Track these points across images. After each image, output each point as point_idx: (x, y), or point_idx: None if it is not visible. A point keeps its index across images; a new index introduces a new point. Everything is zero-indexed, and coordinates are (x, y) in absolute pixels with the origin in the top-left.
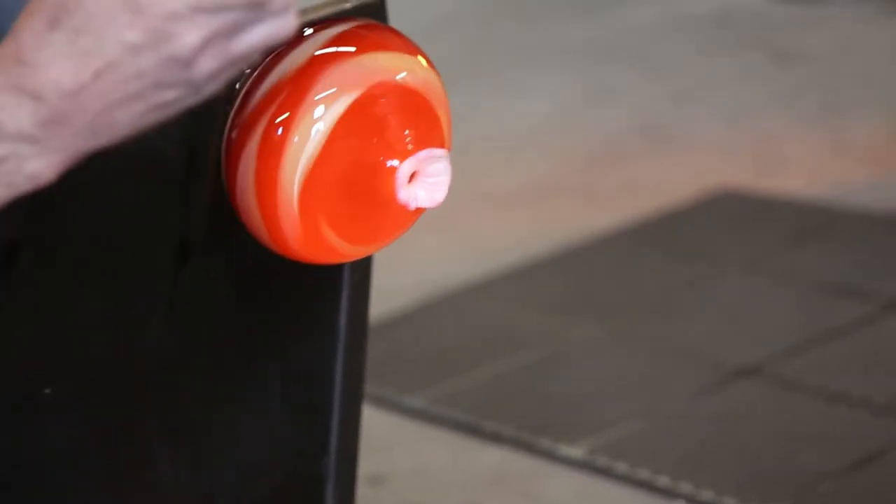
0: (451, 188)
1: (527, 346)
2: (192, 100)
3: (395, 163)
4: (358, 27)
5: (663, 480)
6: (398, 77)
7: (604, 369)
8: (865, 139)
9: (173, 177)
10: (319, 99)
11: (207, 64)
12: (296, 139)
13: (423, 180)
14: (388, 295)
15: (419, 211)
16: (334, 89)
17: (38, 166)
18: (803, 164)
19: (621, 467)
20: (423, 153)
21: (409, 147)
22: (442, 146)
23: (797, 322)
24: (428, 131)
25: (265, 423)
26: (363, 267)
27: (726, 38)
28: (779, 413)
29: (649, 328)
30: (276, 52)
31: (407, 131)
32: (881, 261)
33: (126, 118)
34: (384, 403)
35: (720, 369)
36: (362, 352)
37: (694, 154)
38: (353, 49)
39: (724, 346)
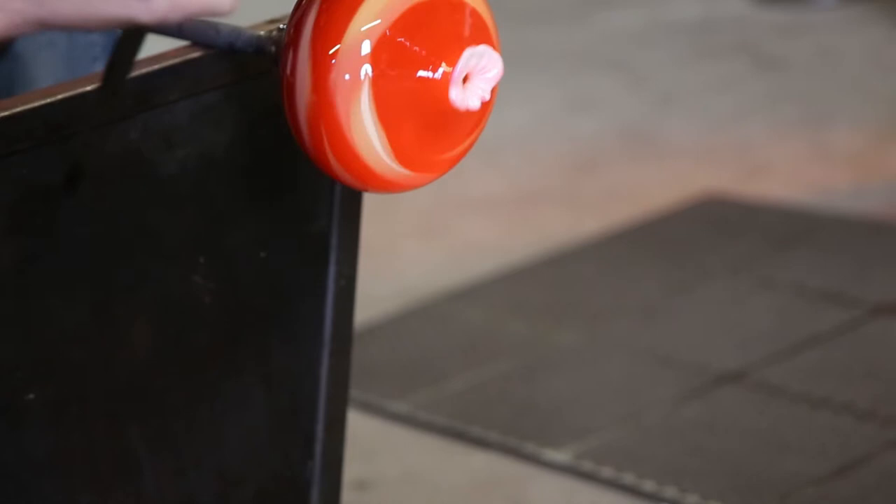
0: (433, 194)
1: (511, 351)
2: (139, 9)
3: (444, 68)
4: None
5: (649, 485)
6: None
7: (588, 375)
8: (848, 145)
9: (157, 179)
10: (366, 30)
11: None
12: (346, 76)
13: (477, 78)
14: (372, 301)
15: (482, 115)
16: (379, 21)
17: None
18: (786, 170)
19: (607, 472)
20: (464, 56)
21: (456, 51)
22: (486, 33)
23: (781, 327)
24: (462, 29)
25: (250, 427)
26: (348, 272)
27: (709, 44)
28: (762, 418)
29: (633, 334)
30: None
31: (452, 38)
32: (864, 266)
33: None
34: (369, 408)
35: (704, 375)
36: (347, 357)
37: (677, 160)
38: None
39: (707, 351)
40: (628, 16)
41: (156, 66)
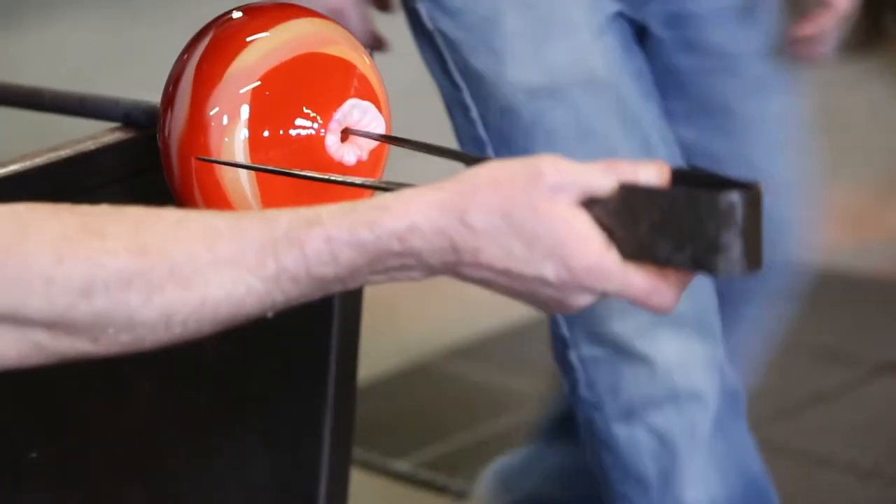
0: None
1: (513, 408)
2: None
3: (318, 126)
4: (234, 20)
5: None
6: (292, 54)
7: None
8: (850, 203)
9: None
10: (244, 92)
11: (580, 306)
12: (226, 139)
13: (355, 132)
14: (373, 359)
15: (366, 164)
16: (257, 82)
17: (419, 276)
18: None
19: None
20: (345, 106)
21: (329, 107)
22: (372, 95)
23: (783, 385)
24: (345, 85)
25: (252, 486)
26: (351, 329)
27: None
28: None
29: None
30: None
31: (320, 96)
32: (867, 325)
33: (495, 291)
34: (371, 467)
35: None
36: (351, 415)
37: None
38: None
39: None
40: None
41: None
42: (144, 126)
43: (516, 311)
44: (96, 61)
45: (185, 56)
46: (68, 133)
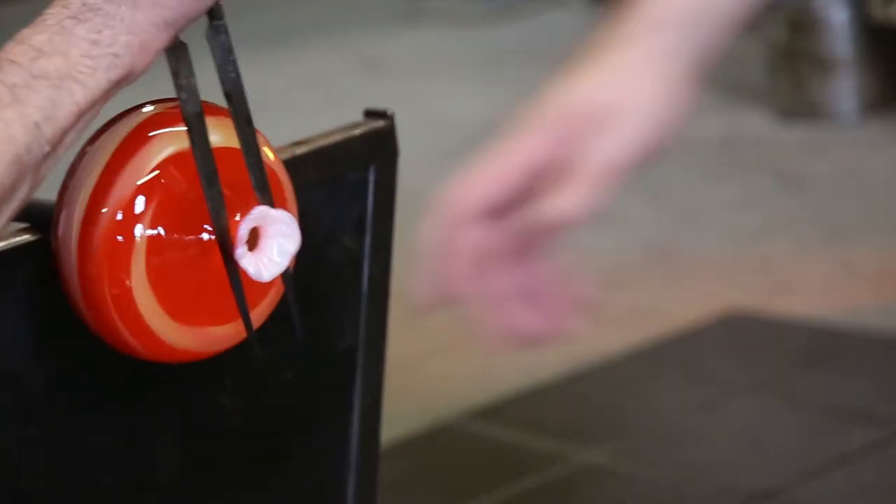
0: (458, 311)
1: (535, 470)
2: None
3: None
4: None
5: None
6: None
7: (613, 494)
8: (873, 263)
9: None
10: (127, 197)
11: None
12: (119, 237)
13: (269, 243)
14: (397, 419)
15: (275, 283)
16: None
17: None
18: (812, 288)
19: None
20: (255, 212)
21: (238, 209)
22: (281, 197)
23: (810, 446)
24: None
25: None
26: (375, 391)
27: (731, 162)
28: None
29: (660, 452)
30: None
31: (230, 195)
32: (892, 384)
33: None
34: None
35: (733, 494)
36: (374, 477)
37: (700, 277)
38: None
39: (735, 470)
40: None
41: None
42: (46, 227)
43: (540, 373)
44: None
45: (86, 147)
46: None
